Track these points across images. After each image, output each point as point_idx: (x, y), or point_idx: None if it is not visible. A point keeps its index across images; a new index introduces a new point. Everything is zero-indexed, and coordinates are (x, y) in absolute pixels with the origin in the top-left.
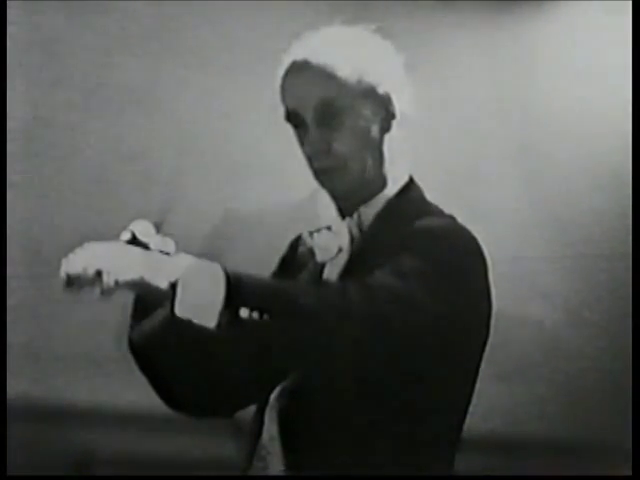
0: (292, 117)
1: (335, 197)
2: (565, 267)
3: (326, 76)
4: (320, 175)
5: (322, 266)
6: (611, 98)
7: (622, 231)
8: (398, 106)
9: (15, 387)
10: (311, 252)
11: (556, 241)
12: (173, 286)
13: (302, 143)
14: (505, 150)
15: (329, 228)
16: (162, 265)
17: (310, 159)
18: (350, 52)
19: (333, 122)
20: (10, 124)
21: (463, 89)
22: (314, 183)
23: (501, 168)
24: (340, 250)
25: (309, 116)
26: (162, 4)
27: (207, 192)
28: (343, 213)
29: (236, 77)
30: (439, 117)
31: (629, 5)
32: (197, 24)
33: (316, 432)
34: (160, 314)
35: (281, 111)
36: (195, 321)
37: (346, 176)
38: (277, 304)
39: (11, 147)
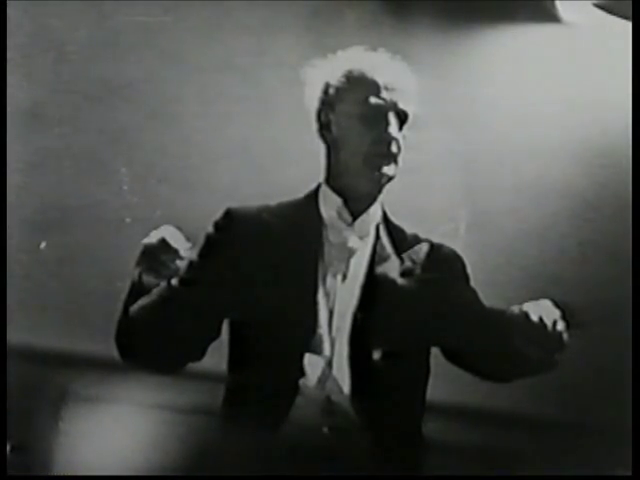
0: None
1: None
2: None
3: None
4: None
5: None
6: (612, 99)
7: (622, 230)
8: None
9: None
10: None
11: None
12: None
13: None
14: (504, 157)
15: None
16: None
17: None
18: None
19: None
20: (9, 124)
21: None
22: (314, 183)
23: (500, 174)
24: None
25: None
26: (163, 4)
27: (207, 191)
28: (351, 211)
29: (236, 77)
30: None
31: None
32: (198, 24)
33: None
34: (155, 290)
35: (281, 112)
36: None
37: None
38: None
39: (10, 146)
